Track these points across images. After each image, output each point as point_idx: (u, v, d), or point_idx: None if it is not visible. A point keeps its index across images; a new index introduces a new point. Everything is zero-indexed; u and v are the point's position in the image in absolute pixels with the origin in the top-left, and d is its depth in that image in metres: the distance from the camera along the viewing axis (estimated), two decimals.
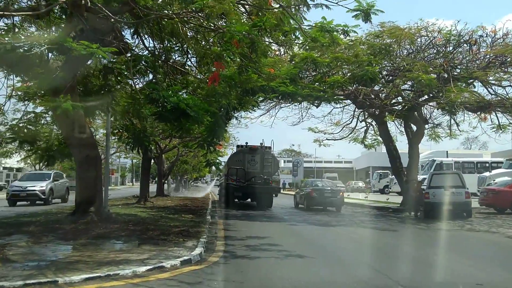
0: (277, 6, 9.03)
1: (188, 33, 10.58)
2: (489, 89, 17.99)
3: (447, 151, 36.01)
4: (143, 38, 11.49)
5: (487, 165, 31.29)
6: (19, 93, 12.01)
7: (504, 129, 18.26)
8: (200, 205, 20.45)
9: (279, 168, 26.35)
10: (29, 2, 10.21)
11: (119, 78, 10.84)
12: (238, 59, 9.37)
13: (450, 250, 9.25)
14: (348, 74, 15.51)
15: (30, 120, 11.87)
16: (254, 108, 15.63)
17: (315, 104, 18.23)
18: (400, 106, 19.80)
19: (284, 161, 72.35)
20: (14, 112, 13.63)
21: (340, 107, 21.64)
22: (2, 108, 11.27)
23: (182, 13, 8.75)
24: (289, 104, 20.28)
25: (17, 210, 16.53)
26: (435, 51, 18.17)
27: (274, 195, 21.58)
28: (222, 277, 6.25)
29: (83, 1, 7.82)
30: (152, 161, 26.21)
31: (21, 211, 15.70)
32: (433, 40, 17.68)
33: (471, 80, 17.62)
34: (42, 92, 10.87)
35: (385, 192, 39.12)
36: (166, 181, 32.72)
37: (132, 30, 11.02)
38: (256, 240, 9.82)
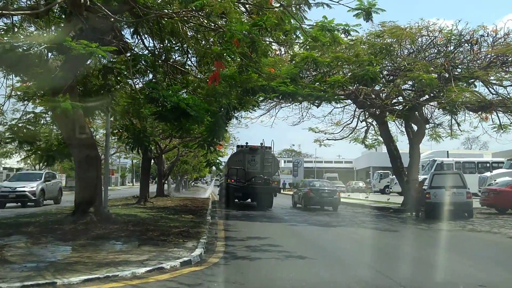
0: (278, 5, 8.98)
1: (188, 33, 10.53)
2: (490, 88, 17.99)
3: (447, 151, 35.95)
4: (143, 38, 11.46)
5: (488, 165, 31.20)
6: (19, 93, 11.97)
7: (505, 129, 18.22)
8: (200, 205, 20.40)
9: (279, 168, 26.35)
10: (28, 2, 10.17)
11: (118, 78, 10.80)
12: (239, 59, 9.32)
13: (451, 251, 9.20)
14: (349, 74, 15.45)
15: (30, 120, 11.85)
16: (255, 108, 15.59)
17: (316, 104, 18.20)
18: (401, 106, 19.77)
19: (285, 161, 72.32)
20: (14, 112, 13.60)
21: (341, 107, 21.63)
22: (1, 108, 11.22)
23: (182, 12, 8.70)
24: (289, 104, 20.23)
25: (17, 210, 16.48)
26: (436, 50, 18.14)
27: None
28: (223, 278, 6.20)
29: (82, 0, 7.78)
30: (152, 161, 26.15)
31: (21, 211, 15.66)
32: (434, 40, 17.64)
33: (472, 80, 17.59)
34: (42, 92, 10.83)
35: (385, 192, 39.07)
36: (166, 182, 32.66)
37: (131, 30, 10.99)
38: (256, 240, 9.77)
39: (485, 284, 6.04)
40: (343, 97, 18.54)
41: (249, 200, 22.68)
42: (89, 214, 10.35)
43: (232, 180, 20.61)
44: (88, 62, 10.39)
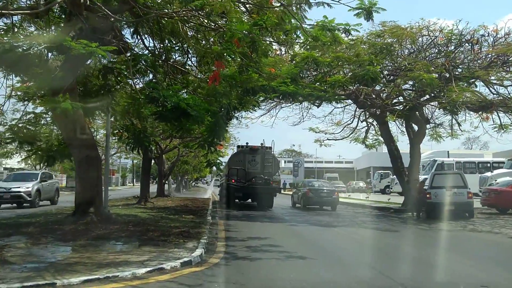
0: (278, 4, 8.96)
1: (188, 33, 10.51)
2: (491, 88, 17.95)
3: (448, 151, 35.92)
4: (143, 38, 11.44)
5: (489, 165, 31.18)
6: (19, 93, 11.96)
7: (506, 128, 18.20)
8: (201, 205, 20.39)
9: (279, 169, 26.36)
10: (28, 1, 10.16)
11: (119, 78, 10.80)
12: (239, 59, 9.30)
13: (452, 251, 9.18)
14: (349, 74, 15.45)
15: (30, 120, 11.84)
16: (255, 108, 15.59)
17: (316, 104, 18.19)
18: (401, 106, 19.74)
19: (285, 161, 72.22)
20: (14, 112, 13.58)
21: (341, 107, 21.61)
22: (1, 108, 11.21)
23: (182, 12, 8.68)
24: (289, 104, 20.23)
25: (17, 211, 16.45)
26: (436, 50, 18.11)
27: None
28: (223, 278, 6.17)
29: (82, 0, 7.76)
30: (153, 161, 26.15)
31: (21, 212, 15.64)
32: (435, 40, 17.62)
33: (472, 80, 17.56)
34: (42, 92, 10.81)
35: (386, 192, 39.07)
36: (166, 182, 32.64)
37: (131, 30, 10.98)
38: (257, 241, 9.75)
39: (486, 285, 6.02)
40: (343, 97, 18.52)
41: (249, 200, 22.67)
42: (89, 214, 10.35)
43: (233, 180, 20.60)
44: (88, 62, 10.38)
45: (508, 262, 8.39)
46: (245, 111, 15.58)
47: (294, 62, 14.20)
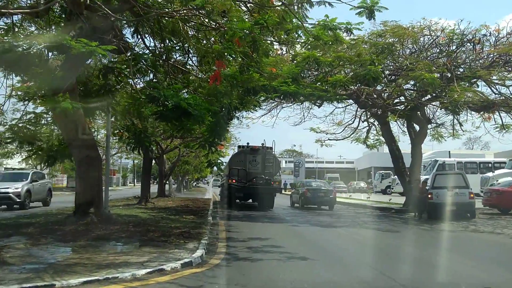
0: (279, 3, 8.92)
1: (189, 32, 10.48)
2: (492, 88, 17.93)
3: (449, 151, 35.85)
4: (144, 37, 11.41)
5: (490, 165, 31.12)
6: (19, 93, 11.92)
7: (507, 128, 18.17)
8: (202, 206, 20.36)
9: (280, 169, 26.33)
10: (28, 1, 10.12)
11: (119, 77, 10.75)
12: (240, 58, 9.26)
13: (454, 251, 9.13)
14: (351, 74, 15.40)
15: (30, 120, 11.80)
16: (256, 108, 15.55)
17: (317, 103, 18.16)
18: (402, 105, 19.69)
19: (286, 162, 72.26)
20: (14, 112, 13.54)
21: (342, 107, 21.58)
22: (2, 108, 11.18)
23: (183, 11, 8.64)
24: (290, 104, 20.21)
25: (17, 211, 16.42)
26: (438, 50, 18.09)
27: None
28: (224, 280, 6.12)
29: None
30: (153, 161, 26.12)
31: (20, 212, 15.61)
32: (436, 39, 17.58)
33: (474, 80, 17.51)
34: (42, 92, 10.78)
35: (387, 193, 39.02)
36: (167, 182, 32.60)
37: (132, 29, 10.94)
38: (258, 241, 9.70)
39: (488, 285, 5.99)
40: (344, 97, 18.46)
41: (250, 200, 22.64)
42: (89, 215, 10.30)
43: (234, 181, 20.56)
44: (89, 62, 10.34)
45: (510, 262, 8.33)
46: (246, 111, 15.56)
47: (295, 61, 14.16)
